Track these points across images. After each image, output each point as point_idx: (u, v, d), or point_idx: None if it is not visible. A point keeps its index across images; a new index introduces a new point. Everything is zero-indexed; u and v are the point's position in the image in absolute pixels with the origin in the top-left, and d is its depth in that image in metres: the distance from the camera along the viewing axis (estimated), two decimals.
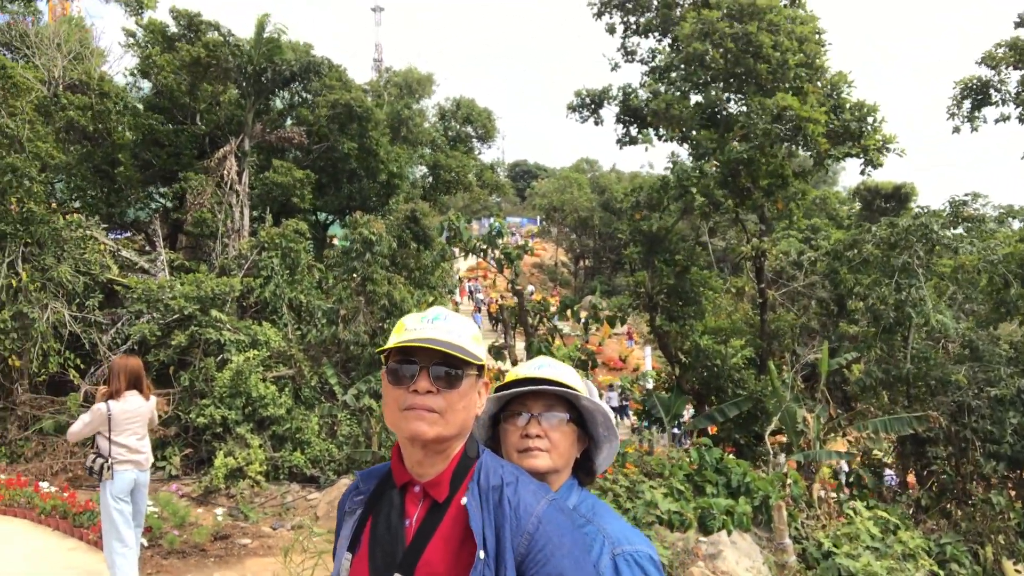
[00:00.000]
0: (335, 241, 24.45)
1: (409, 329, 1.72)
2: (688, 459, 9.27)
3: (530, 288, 35.16)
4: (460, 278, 33.31)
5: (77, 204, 20.88)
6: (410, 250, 18.76)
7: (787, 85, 13.70)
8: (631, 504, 7.86)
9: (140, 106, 22.25)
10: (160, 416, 14.23)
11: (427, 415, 1.64)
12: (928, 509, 12.41)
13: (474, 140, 29.31)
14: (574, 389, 1.99)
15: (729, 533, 7.85)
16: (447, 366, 1.67)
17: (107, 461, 5.80)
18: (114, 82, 25.56)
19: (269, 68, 18.97)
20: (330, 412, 14.91)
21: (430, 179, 27.25)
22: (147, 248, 18.63)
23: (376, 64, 73.34)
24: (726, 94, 13.96)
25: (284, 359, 15.53)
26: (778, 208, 14.15)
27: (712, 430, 14.55)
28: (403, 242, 18.69)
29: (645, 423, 14.96)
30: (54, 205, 18.99)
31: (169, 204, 21.56)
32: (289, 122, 22.08)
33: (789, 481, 9.70)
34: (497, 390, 2.01)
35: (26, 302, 14.27)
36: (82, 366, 14.66)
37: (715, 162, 13.02)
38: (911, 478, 13.91)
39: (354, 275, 16.29)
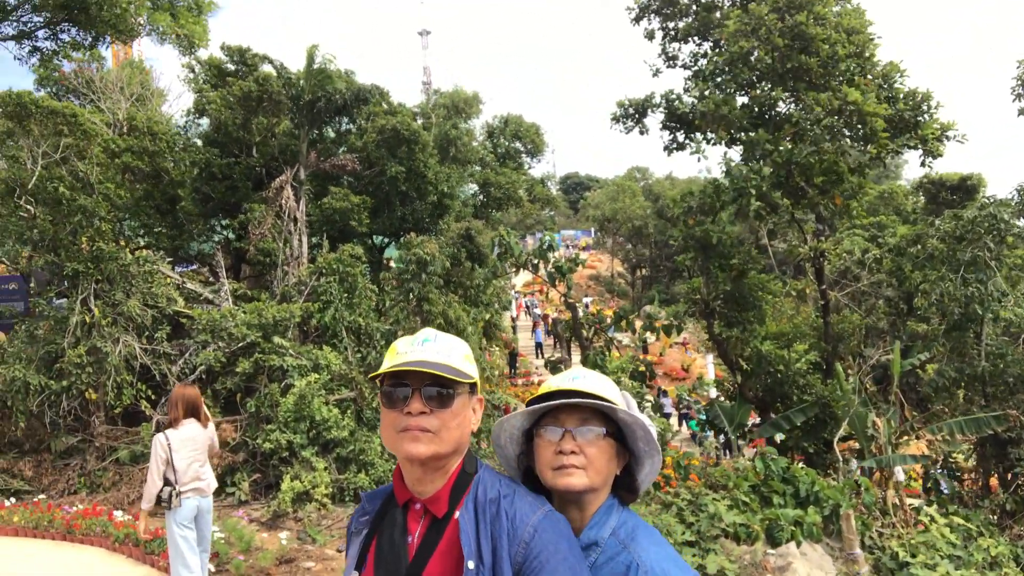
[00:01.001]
0: (391, 263, 24.81)
1: (400, 353, 1.78)
2: (753, 469, 9.01)
3: (586, 300, 35.01)
4: (516, 293, 33.38)
5: (143, 241, 21.75)
6: (464, 268, 18.92)
7: (839, 79, 13.32)
8: (695, 518, 7.66)
9: (199, 142, 23.11)
10: (228, 443, 14.69)
11: (422, 435, 1.70)
12: (1015, 514, 11.76)
13: (523, 155, 29.46)
14: (611, 402, 1.88)
15: (798, 544, 7.58)
16: (438, 387, 1.73)
17: (173, 489, 5.96)
18: (172, 121, 26.66)
19: (321, 98, 19.43)
20: None
21: (481, 197, 27.44)
22: (211, 279, 19.19)
23: (425, 87, 74.56)
24: (774, 93, 13.63)
25: (345, 382, 15.76)
26: (835, 204, 13.71)
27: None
28: (457, 261, 18.86)
29: (706, 433, 14.62)
30: (123, 243, 19.85)
31: (231, 236, 22.27)
32: (341, 149, 22.58)
33: (861, 488, 9.35)
34: (530, 403, 1.95)
35: (99, 337, 14.86)
36: (153, 397, 15.14)
37: (768, 167, 12.71)
38: (994, 481, 13.22)
39: (410, 296, 16.47)
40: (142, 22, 14.62)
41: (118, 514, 9.38)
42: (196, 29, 15.11)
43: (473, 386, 1.82)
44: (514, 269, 15.83)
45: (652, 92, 15.37)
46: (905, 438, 11.94)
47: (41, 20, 13.89)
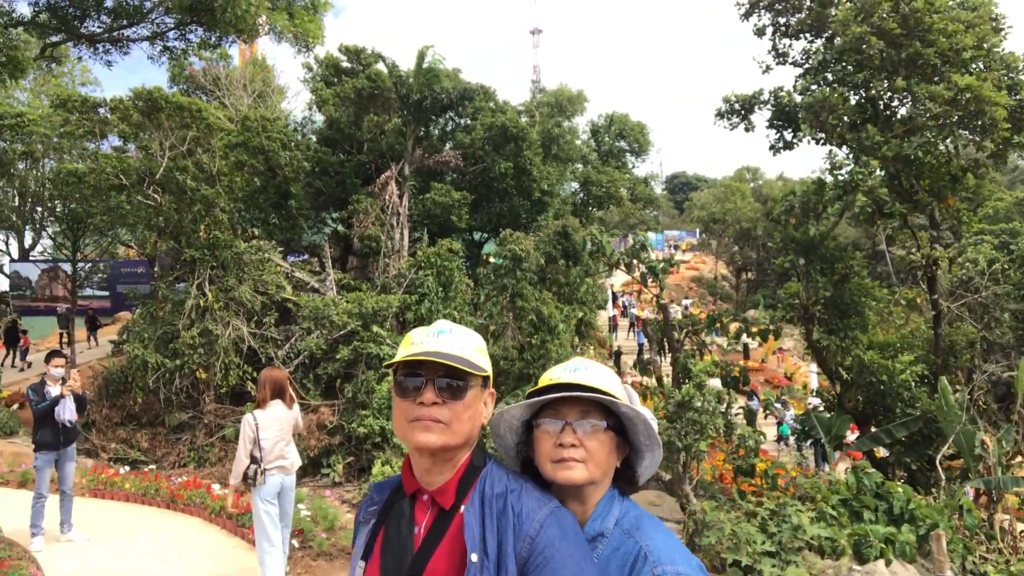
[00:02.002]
0: (490, 259, 25.13)
1: (415, 343, 1.78)
2: (845, 483, 8.59)
3: (686, 302, 34.25)
4: (614, 293, 33.03)
5: (258, 231, 22.93)
6: (559, 266, 18.89)
7: (960, 71, 12.35)
8: (777, 529, 7.39)
9: (314, 138, 24.15)
10: (326, 425, 15.29)
11: (433, 426, 1.69)
12: None
13: (627, 154, 29.11)
14: (612, 394, 1.84)
15: (888, 563, 7.17)
16: (451, 378, 1.72)
17: (259, 466, 6.28)
18: (291, 117, 27.98)
19: (428, 96, 19.88)
20: None
21: (581, 195, 27.32)
22: (318, 269, 20.01)
23: (534, 85, 74.86)
24: (888, 90, 12.82)
25: None
26: (948, 207, 12.76)
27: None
28: (552, 258, 18.86)
29: (800, 441, 13.99)
30: (239, 232, 21.02)
31: (340, 228, 23.16)
32: (448, 146, 23.04)
33: (964, 510, 8.72)
34: (530, 395, 1.91)
35: (212, 320, 15.80)
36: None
37: (878, 162, 11.97)
38: None
39: (504, 291, 16.62)
40: (262, 22, 15.33)
41: (216, 487, 9.96)
42: (311, 27, 15.70)
43: (486, 379, 1.81)
44: (611, 268, 15.66)
45: (760, 88, 14.85)
46: (1019, 459, 11.00)
47: (171, 22, 14.85)
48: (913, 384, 12.03)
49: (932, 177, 13.07)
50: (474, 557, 1.63)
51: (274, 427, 6.37)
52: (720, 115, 15.46)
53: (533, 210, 22.60)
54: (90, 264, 27.33)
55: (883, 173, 12.56)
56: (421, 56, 19.59)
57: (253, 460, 6.29)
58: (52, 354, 8.14)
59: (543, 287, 18.02)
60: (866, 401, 12.42)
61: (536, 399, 1.86)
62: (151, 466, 13.21)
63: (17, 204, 27.38)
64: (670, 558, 1.68)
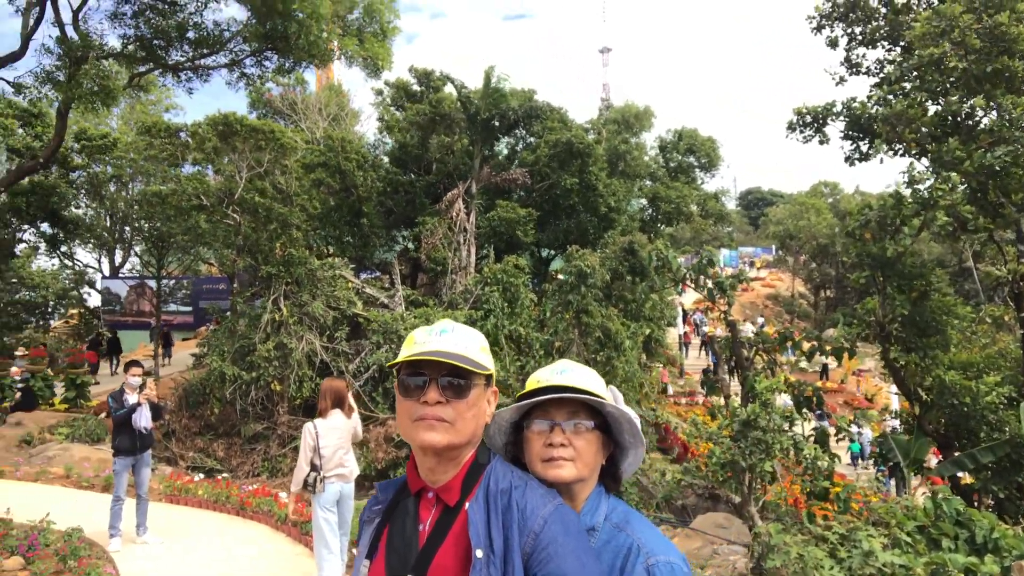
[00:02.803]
0: (558, 276, 25.14)
1: (418, 342, 1.79)
2: (923, 508, 8.18)
3: (760, 320, 33.36)
4: (685, 311, 32.50)
5: (332, 248, 23.60)
6: (625, 282, 18.76)
7: None
8: (847, 554, 7.09)
9: (386, 159, 24.77)
10: (393, 438, 15.52)
11: (437, 424, 1.71)
12: None
13: (696, 170, 28.74)
14: (597, 395, 1.91)
15: None
16: (455, 377, 1.73)
17: (319, 474, 6.43)
18: (364, 139, 28.77)
19: (495, 115, 20.15)
20: None
21: (649, 211, 27.08)
22: (387, 286, 20.42)
23: (603, 103, 74.88)
24: (969, 101, 12.24)
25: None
26: None
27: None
28: (618, 274, 18.75)
29: (880, 467, 13.38)
30: (314, 249, 21.70)
31: (410, 246, 23.65)
32: (514, 164, 23.27)
33: None
34: (519, 398, 1.97)
35: (286, 334, 16.31)
36: None
37: (960, 176, 11.43)
38: None
39: (569, 307, 16.60)
40: (334, 47, 15.89)
41: (283, 495, 10.23)
42: (380, 52, 16.20)
43: (489, 377, 1.82)
44: (683, 284, 15.45)
45: (833, 100, 14.41)
46: None
47: (248, 49, 15.56)
48: (1000, 407, 11.35)
49: (1020, 189, 12.43)
50: (479, 553, 1.64)
51: (334, 436, 6.51)
52: (792, 128, 15.08)
53: (600, 226, 22.54)
54: (174, 281, 28.62)
55: (966, 187, 11.99)
56: (487, 77, 19.88)
57: (313, 468, 6.44)
58: (130, 364, 8.56)
59: (609, 304, 17.92)
60: (948, 424, 11.78)
61: (525, 402, 1.93)
62: (224, 474, 13.66)
63: (108, 224, 28.97)
64: (662, 549, 1.77)
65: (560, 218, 22.55)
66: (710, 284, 13.03)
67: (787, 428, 8.57)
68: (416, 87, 24.19)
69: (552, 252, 25.06)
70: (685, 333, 32.69)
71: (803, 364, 28.02)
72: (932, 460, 13.74)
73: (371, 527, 1.87)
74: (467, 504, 1.73)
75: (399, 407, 1.79)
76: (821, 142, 15.27)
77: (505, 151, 24.82)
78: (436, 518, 1.74)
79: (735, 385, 17.23)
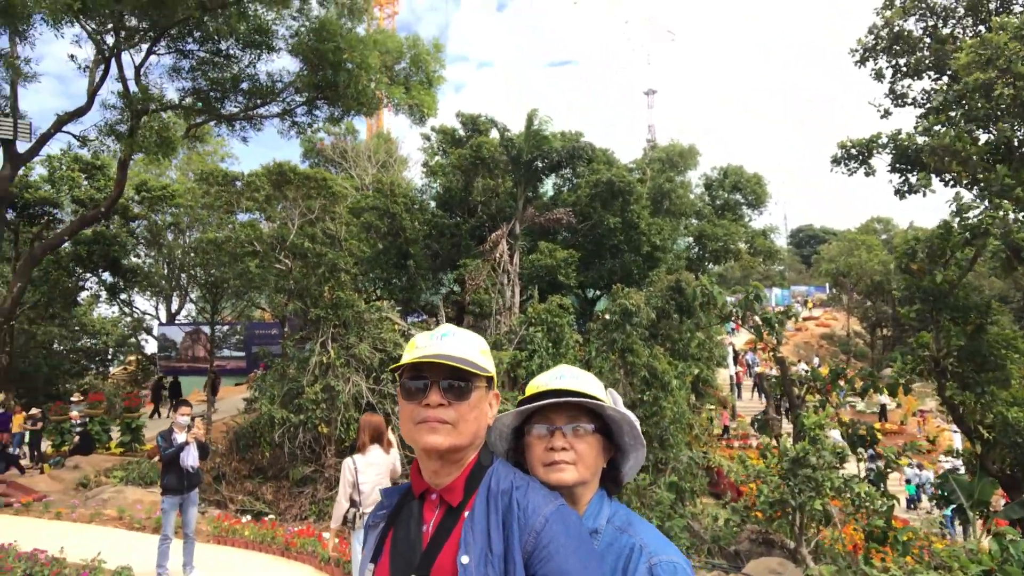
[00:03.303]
0: (606, 316, 24.98)
1: (420, 347, 1.81)
2: (988, 552, 7.75)
3: (815, 360, 32.49)
4: (736, 351, 31.86)
5: (380, 291, 23.92)
6: (672, 321, 18.53)
7: None
8: None
9: (432, 203, 25.20)
10: None
11: (440, 427, 1.72)
12: None
13: (743, 207, 28.46)
14: (597, 398, 1.93)
15: None
16: (456, 379, 1.75)
17: (358, 510, 6.42)
18: (411, 184, 29.32)
19: (538, 157, 20.37)
20: None
21: (696, 249, 26.83)
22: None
23: (649, 144, 75.07)
24: (1021, 129, 11.88)
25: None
26: None
27: None
28: (665, 313, 18.54)
29: (940, 508, 12.74)
30: (363, 293, 22.04)
31: (456, 288, 23.86)
32: (558, 206, 23.41)
33: None
34: (520, 403, 1.98)
35: (333, 376, 16.49)
36: None
37: (1012, 204, 11.05)
38: None
39: (614, 347, 16.44)
40: (382, 96, 16.37)
41: (326, 535, 10.22)
42: (426, 100, 16.62)
43: (490, 380, 1.84)
44: (735, 324, 15.20)
45: (878, 132, 14.13)
46: None
47: (300, 99, 16.15)
48: None
49: None
50: (464, 559, 1.64)
51: (372, 471, 6.51)
52: (836, 161, 14.83)
53: (645, 265, 22.42)
54: (227, 326, 29.28)
55: (1018, 215, 11.60)
56: (529, 119, 20.16)
57: (352, 504, 6.44)
58: (179, 404, 8.74)
59: (656, 343, 17.71)
60: (1014, 463, 11.19)
61: (526, 407, 1.95)
62: (271, 516, 13.73)
63: (165, 272, 29.95)
64: (665, 550, 1.79)
65: (604, 258, 22.50)
66: (758, 321, 12.78)
67: (838, 465, 8.25)
68: (462, 132, 24.68)
69: (597, 292, 24.98)
70: (737, 374, 32.02)
71: (860, 406, 27.15)
72: (1001, 502, 13.05)
73: (376, 531, 1.88)
74: (465, 512, 1.73)
75: (402, 410, 1.80)
76: (867, 174, 14.99)
77: (551, 192, 25.01)
78: (439, 519, 1.76)
79: (788, 425, 16.75)
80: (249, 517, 12.68)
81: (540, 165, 20.89)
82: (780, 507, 7.98)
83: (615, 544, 1.81)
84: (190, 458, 8.23)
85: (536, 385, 2.01)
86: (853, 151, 14.40)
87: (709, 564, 12.10)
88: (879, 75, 15.39)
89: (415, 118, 17.24)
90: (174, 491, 8.25)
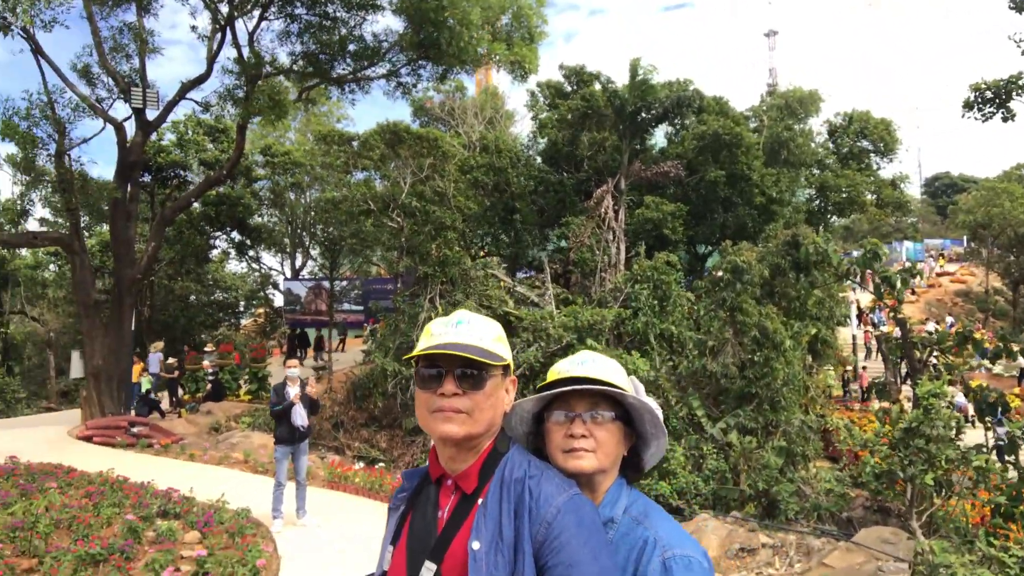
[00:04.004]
0: (717, 273, 24.22)
1: (434, 335, 1.79)
2: None
3: (949, 319, 30.36)
4: (860, 309, 30.16)
5: (488, 248, 24.20)
6: (788, 278, 17.71)
7: None
8: None
9: (538, 159, 25.06)
10: None
11: (455, 416, 1.72)
12: None
13: (871, 155, 26.59)
14: (618, 386, 1.90)
15: None
16: (471, 368, 1.73)
17: None
18: (517, 140, 29.26)
19: (642, 108, 19.80)
20: (697, 445, 14.72)
21: (817, 202, 25.42)
22: (537, 284, 20.63)
23: (770, 88, 71.18)
24: None
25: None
26: None
27: None
28: (780, 270, 17.73)
29: None
30: (470, 250, 22.39)
31: (563, 244, 23.80)
32: (666, 157, 22.74)
33: None
34: (540, 389, 1.95)
35: None
36: None
37: None
38: None
39: (723, 305, 15.95)
40: (483, 52, 16.30)
41: None
42: (527, 55, 16.43)
43: (506, 367, 1.81)
44: (839, 280, 14.39)
45: (1019, 72, 12.73)
46: None
47: (404, 59, 16.33)
48: None
49: None
50: (475, 545, 1.65)
51: None
52: (969, 106, 13.47)
53: (760, 219, 21.48)
54: (346, 282, 30.54)
55: None
56: (633, 69, 19.54)
57: None
58: (289, 357, 9.24)
59: (770, 301, 17.01)
60: None
61: (546, 392, 1.93)
62: (380, 464, 14.38)
63: (288, 230, 31.47)
64: (679, 543, 1.75)
65: (716, 212, 21.73)
66: (876, 279, 12.01)
67: (953, 437, 7.69)
68: (567, 86, 24.27)
69: (709, 248, 24.21)
70: (865, 333, 30.39)
71: (998, 368, 25.22)
72: None
73: (396, 514, 1.90)
74: (479, 500, 1.73)
75: (417, 398, 1.81)
76: (1005, 119, 13.58)
77: (661, 144, 24.27)
78: (454, 505, 1.76)
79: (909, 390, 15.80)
80: (363, 464, 13.33)
81: (645, 116, 20.27)
82: (888, 479, 7.58)
83: (630, 535, 1.79)
84: (298, 417, 8.70)
85: (558, 371, 1.99)
86: (988, 94, 13.07)
87: (818, 531, 11.73)
88: (1019, 7, 13.82)
89: (516, 74, 17.08)
90: (285, 442, 8.79)
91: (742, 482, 13.75)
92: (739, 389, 15.25)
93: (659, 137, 24.56)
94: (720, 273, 16.78)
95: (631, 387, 1.95)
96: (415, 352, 1.77)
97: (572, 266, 20.06)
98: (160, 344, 19.55)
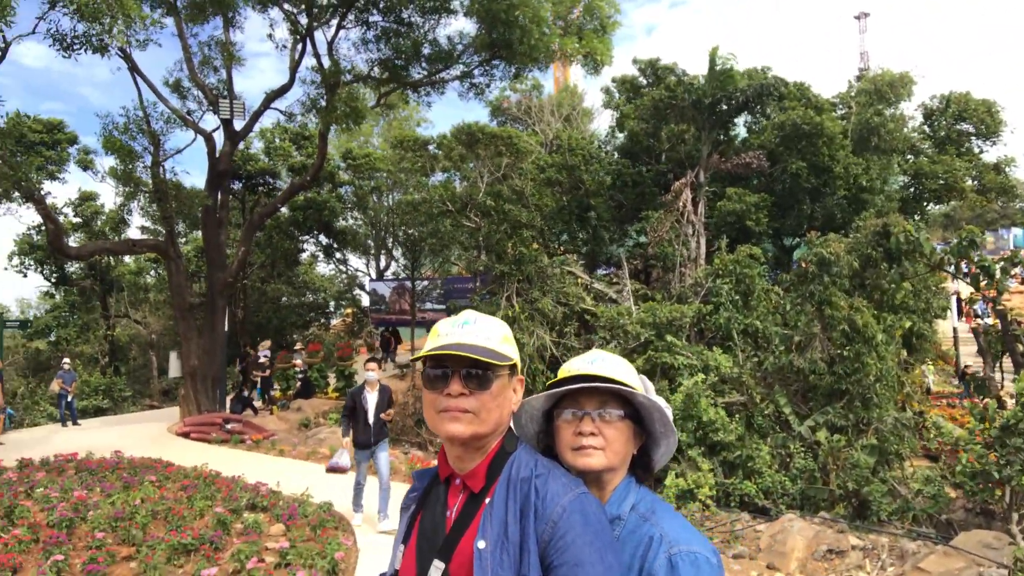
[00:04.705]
0: (803, 266, 23.36)
1: (441, 335, 1.81)
2: None
3: None
4: (959, 300, 28.49)
5: (563, 246, 24.14)
6: (880, 270, 16.92)
7: None
8: None
9: (616, 154, 24.79)
10: None
11: (461, 416, 1.73)
12: None
13: (972, 138, 25.03)
14: (628, 385, 1.91)
15: None
16: (476, 368, 1.74)
17: None
18: (595, 135, 29.06)
19: (721, 98, 19.32)
20: (783, 443, 14.28)
21: (912, 189, 24.15)
22: (615, 281, 20.45)
23: (860, 73, 67.96)
24: None
25: (736, 385, 15.42)
26: None
27: None
28: (871, 261, 16.96)
29: None
30: (546, 247, 22.40)
31: (642, 239, 23.47)
32: (747, 148, 22.09)
33: None
34: (549, 386, 1.97)
35: (519, 330, 17.01)
36: None
37: None
38: None
39: (810, 299, 15.39)
40: (555, 48, 16.26)
41: None
42: (599, 48, 16.26)
43: (513, 367, 1.82)
44: (933, 270, 13.63)
45: None
46: None
47: (476, 60, 16.48)
48: None
49: None
50: (481, 544, 1.66)
51: None
52: None
53: (850, 209, 20.59)
54: (427, 281, 31.08)
55: None
56: (712, 59, 19.06)
57: None
58: (368, 360, 9.45)
59: (861, 294, 16.30)
60: None
61: (556, 390, 1.94)
62: None
63: (372, 233, 32.28)
64: (684, 539, 1.74)
65: (803, 202, 20.96)
66: (973, 269, 11.33)
67: None
68: (641, 79, 23.90)
69: (796, 240, 23.37)
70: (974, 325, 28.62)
71: None
72: None
73: (407, 514, 1.93)
74: (486, 499, 1.74)
75: (425, 398, 1.83)
76: None
77: (743, 134, 23.61)
78: (462, 505, 1.79)
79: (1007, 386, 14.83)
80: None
81: (724, 108, 19.75)
82: (983, 479, 7.12)
83: (636, 532, 1.78)
84: (371, 417, 8.90)
85: (568, 369, 2.00)
86: None
87: (913, 533, 11.18)
88: None
89: (589, 68, 16.96)
90: (361, 446, 9.03)
91: (831, 482, 13.25)
92: (828, 385, 14.69)
93: (739, 128, 23.90)
94: (806, 266, 16.19)
95: (641, 387, 1.96)
96: (422, 352, 1.80)
97: (652, 261, 19.78)
98: (268, 343, 20.48)
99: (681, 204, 18.13)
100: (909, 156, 24.54)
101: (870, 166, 20.76)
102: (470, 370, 1.74)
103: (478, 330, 1.80)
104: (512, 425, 1.88)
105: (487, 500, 1.74)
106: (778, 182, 20.80)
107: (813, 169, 19.70)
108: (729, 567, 10.05)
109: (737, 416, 14.75)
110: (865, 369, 14.62)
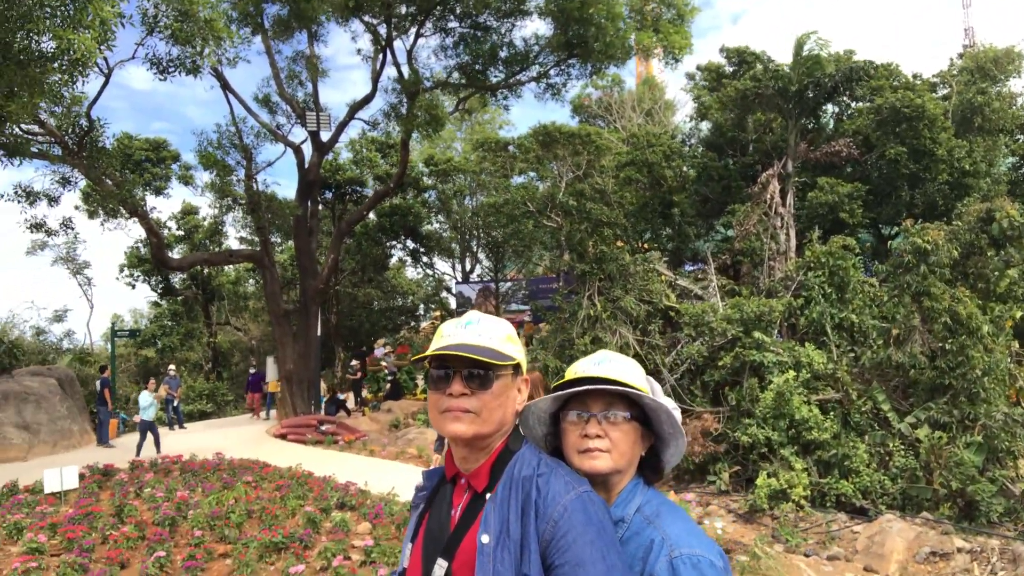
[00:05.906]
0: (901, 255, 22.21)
1: (445, 336, 1.85)
2: None
3: None
4: None
5: (646, 244, 23.81)
6: (985, 258, 15.92)
7: None
8: None
9: (700, 147, 24.27)
10: (711, 432, 15.19)
11: (464, 416, 1.76)
12: None
13: None
14: (635, 387, 1.91)
15: None
16: (478, 369, 1.77)
17: None
18: (678, 129, 28.53)
19: (809, 85, 18.65)
20: (882, 441, 13.66)
21: (1022, 171, 22.63)
22: (699, 276, 20.04)
23: (965, 50, 63.83)
24: None
25: (831, 381, 14.85)
26: None
27: None
28: (975, 248, 15.98)
29: None
30: (628, 244, 22.14)
31: (730, 234, 22.87)
32: (838, 136, 21.22)
33: None
34: (556, 388, 1.97)
35: (601, 328, 16.91)
36: None
37: None
38: None
39: (907, 290, 14.66)
40: (631, 44, 16.08)
41: None
42: (676, 38, 15.98)
43: (517, 367, 1.85)
44: None
45: None
46: None
47: (552, 60, 16.50)
48: None
49: None
50: (485, 538, 1.68)
51: None
52: None
53: (952, 195, 19.48)
54: (511, 283, 31.31)
55: None
56: (799, 44, 18.40)
57: None
58: None
59: (964, 283, 15.39)
60: None
61: (562, 392, 1.95)
62: None
63: (456, 236, 32.80)
64: (687, 542, 1.73)
65: (901, 189, 19.96)
66: None
67: None
68: (727, 67, 23.32)
69: (895, 229, 22.27)
70: None
71: None
72: None
73: (416, 512, 1.98)
74: (488, 495, 1.77)
75: (429, 399, 1.88)
76: None
77: (833, 122, 22.71)
78: (466, 504, 1.82)
79: None
80: None
81: (811, 95, 19.03)
82: None
83: (640, 535, 1.77)
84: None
85: (575, 371, 2.01)
86: None
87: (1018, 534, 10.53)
88: None
89: (667, 60, 16.69)
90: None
91: (934, 481, 12.58)
92: (930, 380, 13.95)
93: (828, 116, 22.98)
94: (903, 255, 15.42)
95: (649, 388, 1.96)
96: (426, 353, 1.85)
97: (740, 256, 19.28)
98: (382, 340, 21.24)
99: (768, 196, 17.59)
100: (1019, 136, 23.00)
101: (974, 148, 19.58)
102: (472, 370, 1.77)
103: (481, 330, 1.83)
104: (520, 426, 1.91)
105: (488, 496, 1.77)
106: (874, 169, 19.88)
107: (913, 154, 18.71)
108: (821, 569, 9.73)
109: (832, 413, 14.20)
110: (971, 363, 13.79)
